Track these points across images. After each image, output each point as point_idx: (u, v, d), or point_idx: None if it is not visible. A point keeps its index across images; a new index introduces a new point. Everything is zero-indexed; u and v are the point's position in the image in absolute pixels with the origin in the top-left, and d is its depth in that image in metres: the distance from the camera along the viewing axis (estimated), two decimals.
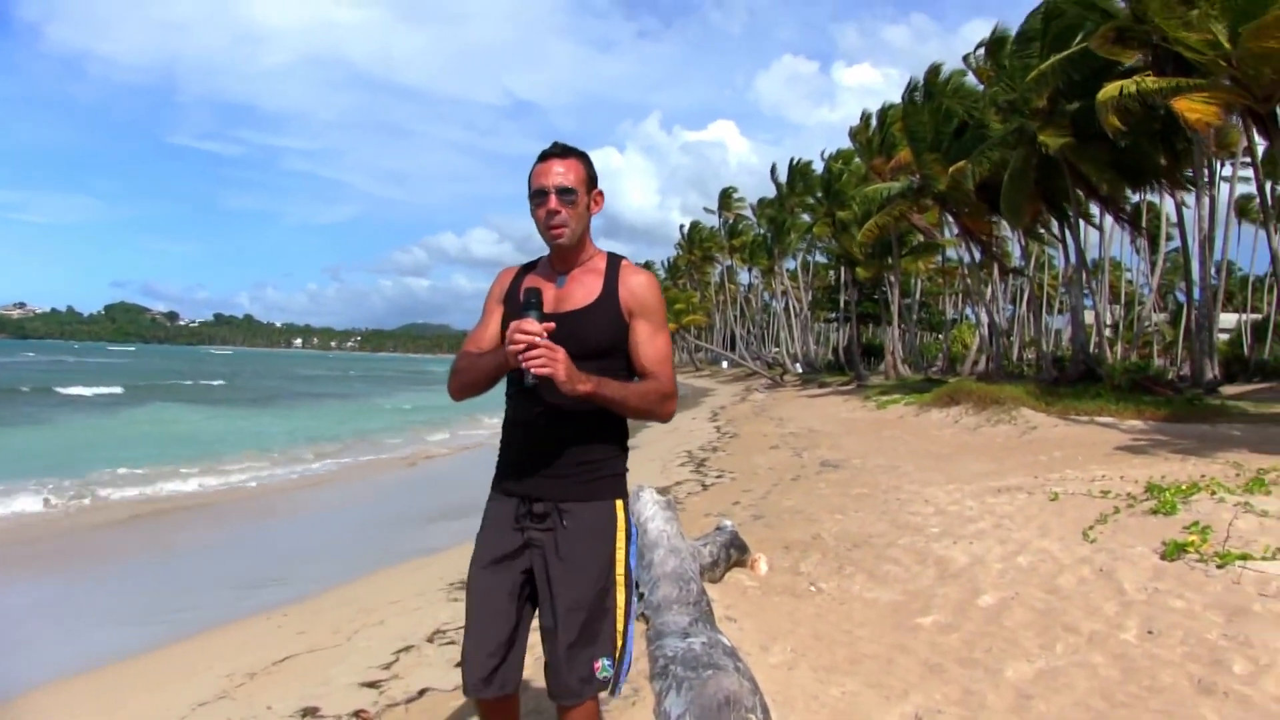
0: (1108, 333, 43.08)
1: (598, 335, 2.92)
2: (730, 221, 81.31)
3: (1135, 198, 33.86)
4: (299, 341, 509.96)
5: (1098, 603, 6.05)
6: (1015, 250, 45.95)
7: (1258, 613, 5.52)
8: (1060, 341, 54.92)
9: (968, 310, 66.31)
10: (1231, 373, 30.79)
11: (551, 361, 2.65)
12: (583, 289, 3.00)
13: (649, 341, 2.95)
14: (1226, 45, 19.26)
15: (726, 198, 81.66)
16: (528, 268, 3.18)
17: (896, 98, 40.93)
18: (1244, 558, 6.43)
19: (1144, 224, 37.47)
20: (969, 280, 47.63)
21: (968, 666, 5.16)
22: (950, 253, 51.74)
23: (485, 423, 28.29)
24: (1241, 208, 43.58)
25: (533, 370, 2.66)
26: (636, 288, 2.98)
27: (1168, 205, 39.11)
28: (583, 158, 3.03)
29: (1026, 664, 5.14)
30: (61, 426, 28.64)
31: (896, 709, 4.57)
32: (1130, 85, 21.00)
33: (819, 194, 53.40)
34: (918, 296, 64.12)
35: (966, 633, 5.77)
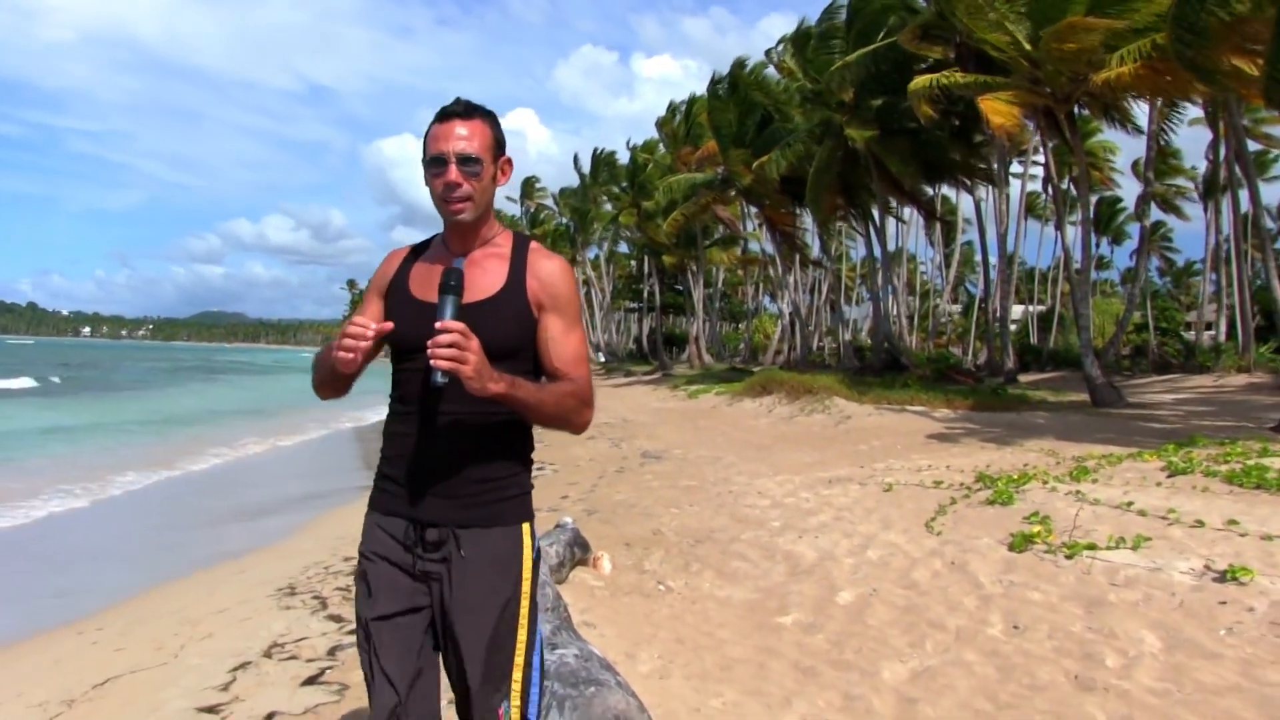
0: (904, 323, 44.57)
1: (503, 331, 2.47)
2: (532, 211, 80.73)
3: (931, 191, 35.00)
4: (87, 330, 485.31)
5: (957, 597, 5.96)
6: (813, 242, 47.09)
7: (1114, 603, 5.52)
8: (858, 331, 56.63)
9: (766, 300, 67.85)
10: (1025, 362, 32.23)
11: (463, 355, 2.20)
12: (485, 276, 2.54)
13: (562, 339, 2.54)
14: (1028, 47, 19.96)
15: (529, 186, 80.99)
16: (419, 249, 2.72)
17: (696, 89, 41.51)
18: (1090, 548, 6.47)
19: (939, 216, 38.81)
20: (770, 271, 48.61)
21: (841, 669, 4.96)
22: (752, 244, 52.64)
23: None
24: (1029, 204, 45.67)
25: (439, 364, 2.19)
26: (548, 276, 2.55)
27: (963, 199, 40.67)
28: (489, 118, 2.56)
29: (900, 664, 4.98)
30: None
31: (782, 719, 4.32)
32: (942, 78, 21.58)
33: (624, 184, 53.51)
34: (719, 287, 65.08)
35: (832, 633, 5.59)
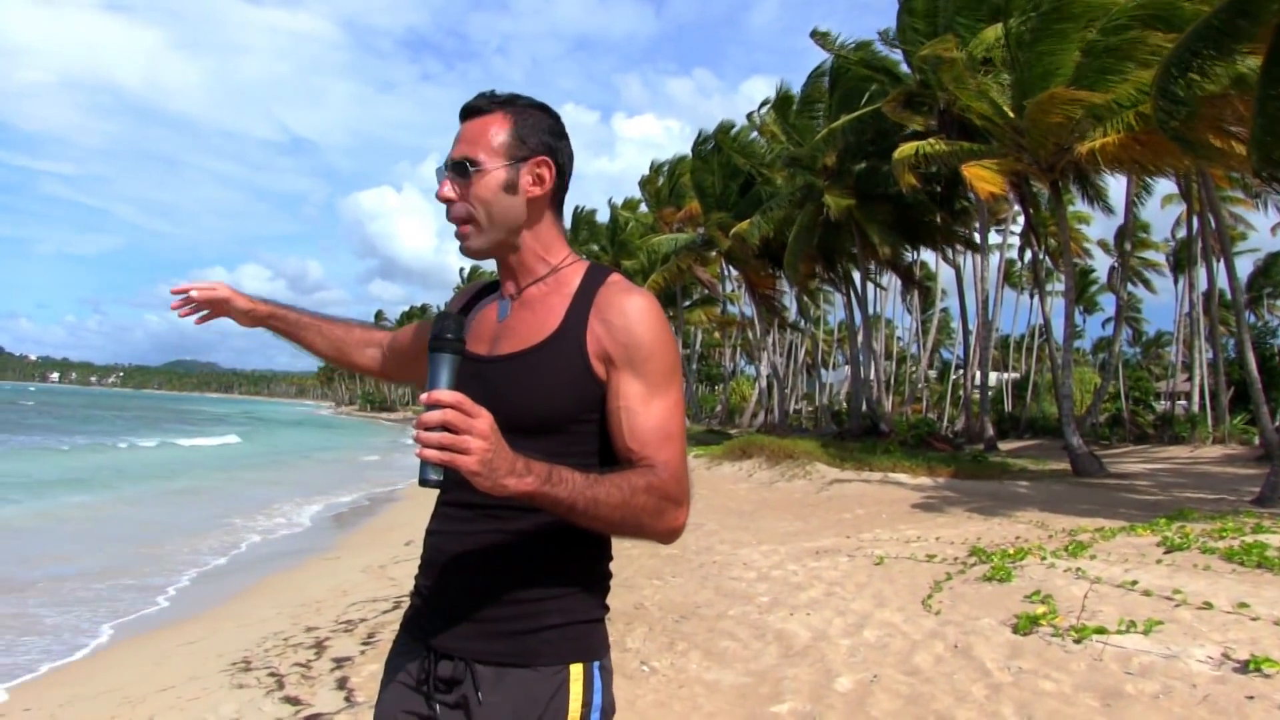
0: (881, 388, 44.43)
1: (543, 397, 1.83)
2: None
3: (910, 256, 35.07)
4: (55, 376, 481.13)
5: (964, 686, 5.58)
6: (791, 305, 47.06)
7: (1132, 695, 5.16)
8: (835, 395, 56.50)
9: (743, 363, 67.73)
10: (1003, 429, 32.04)
11: (460, 440, 1.54)
12: (533, 320, 1.90)
13: (640, 408, 1.81)
14: (1011, 115, 19.97)
15: None
16: (487, 289, 2.12)
17: (678, 149, 41.62)
18: (1100, 631, 6.12)
19: (917, 281, 38.87)
20: (749, 334, 48.49)
21: None
22: (730, 305, 52.61)
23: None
24: (1005, 272, 45.83)
25: (426, 456, 1.56)
26: (619, 318, 1.83)
27: (941, 266, 40.72)
28: (514, 108, 1.92)
29: None
30: None
31: None
32: (926, 147, 21.58)
33: (604, 243, 53.50)
34: (697, 348, 64.94)
35: None
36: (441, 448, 1.53)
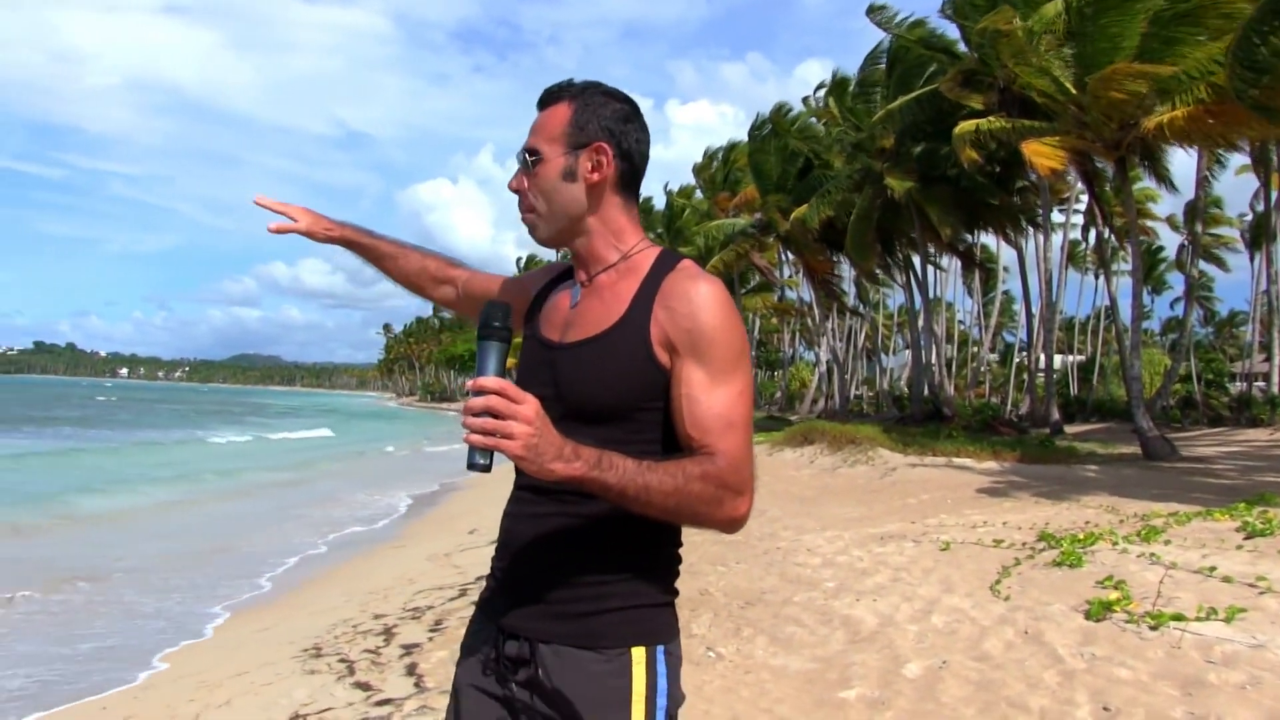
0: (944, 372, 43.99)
1: (603, 384, 1.83)
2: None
3: (970, 238, 34.57)
4: (124, 371, 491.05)
5: (1036, 672, 5.48)
6: (850, 290, 46.65)
7: (1215, 685, 5.02)
8: (895, 380, 56.01)
9: (802, 348, 67.36)
10: (1069, 413, 31.55)
11: (505, 425, 1.56)
12: (600, 307, 1.90)
13: (703, 396, 1.79)
14: (1073, 91, 19.57)
15: None
16: (569, 272, 2.12)
17: (733, 134, 41.35)
18: (1177, 618, 5.97)
19: (977, 264, 38.35)
20: (807, 319, 48.23)
21: None
22: (788, 291, 52.29)
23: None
24: (1069, 252, 45.10)
25: (471, 441, 1.59)
26: (684, 304, 1.82)
27: (1004, 247, 40.17)
28: (579, 96, 1.92)
29: None
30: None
31: None
32: (986, 124, 21.24)
33: (659, 230, 53.41)
34: (756, 334, 64.67)
35: (901, 711, 5.11)
36: (487, 433, 1.56)
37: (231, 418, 72.01)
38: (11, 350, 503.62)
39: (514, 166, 1.95)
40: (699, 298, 1.82)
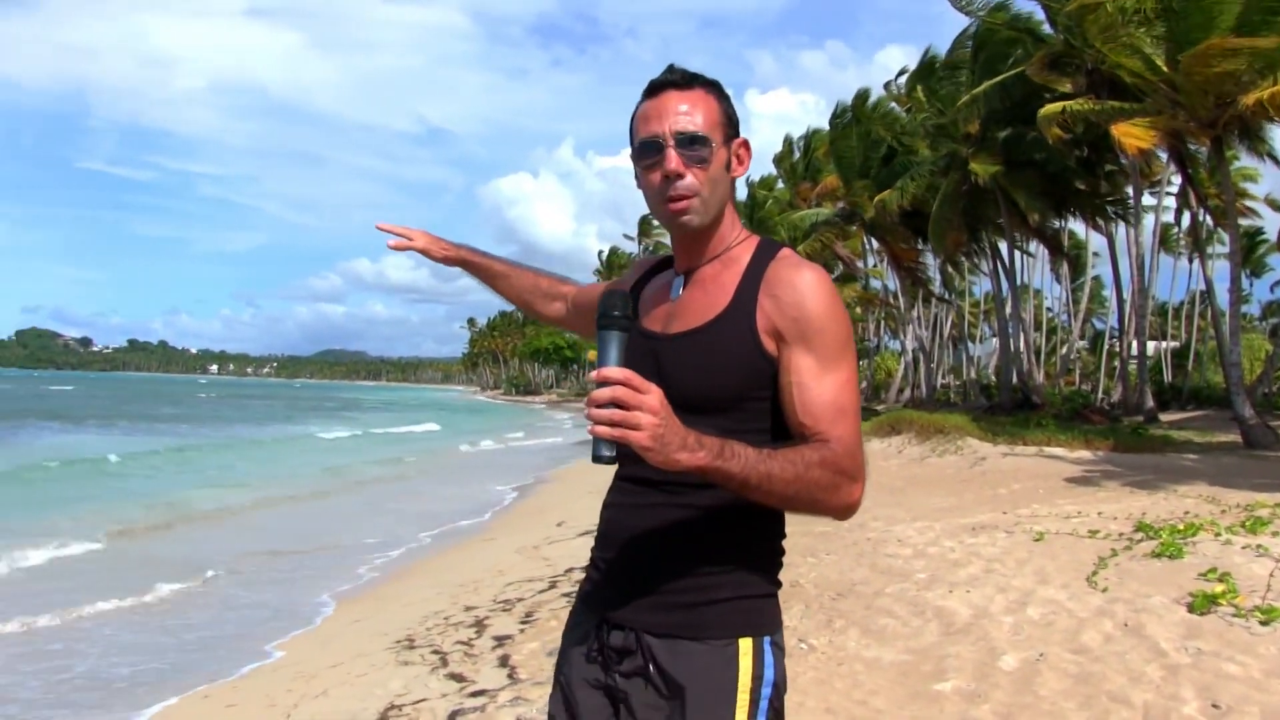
0: (1032, 360, 43.25)
1: (713, 375, 1.83)
2: (650, 248, 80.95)
3: (1057, 224, 33.87)
4: (214, 368, 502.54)
5: (1138, 666, 5.36)
6: (935, 278, 46.01)
7: None
8: (983, 369, 55.19)
9: (887, 338, 66.62)
10: (1164, 400, 30.80)
11: (631, 416, 1.54)
12: (704, 298, 1.90)
13: (813, 383, 1.79)
14: (1165, 70, 19.06)
15: (646, 224, 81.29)
16: (662, 265, 2.12)
17: (812, 123, 40.88)
18: None
19: (1065, 250, 37.57)
20: (893, 307, 47.72)
21: None
22: (872, 281, 51.78)
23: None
24: (1162, 236, 44.06)
25: (598, 433, 1.56)
26: (789, 293, 1.82)
27: (1092, 232, 39.31)
28: (715, 88, 1.93)
29: None
30: None
31: None
32: (1073, 105, 20.81)
33: (743, 221, 53.04)
34: None
35: (999, 703, 5.04)
36: (613, 424, 1.54)
37: (331, 413, 73.09)
38: (107, 348, 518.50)
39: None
40: (804, 285, 1.82)
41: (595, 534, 2.05)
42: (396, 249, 2.41)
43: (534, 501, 18.92)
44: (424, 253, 2.41)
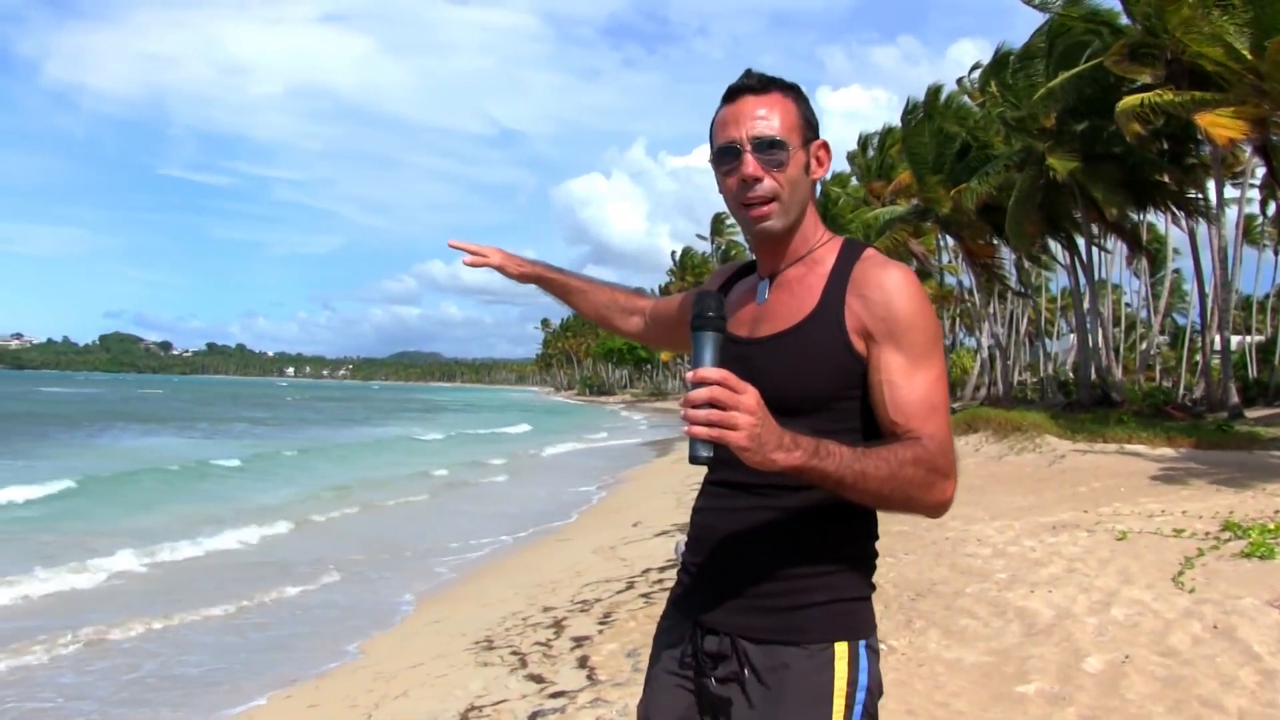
0: (1111, 356, 42.46)
1: (803, 376, 1.83)
2: (723, 247, 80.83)
3: (1136, 218, 33.18)
4: (291, 370, 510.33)
5: (1230, 670, 5.26)
6: (1010, 274, 45.33)
7: None
8: (1060, 365, 54.31)
9: (961, 335, 65.80)
10: (1249, 396, 30.06)
11: (728, 416, 1.54)
12: (791, 300, 1.91)
13: (904, 381, 1.80)
14: (1250, 58, 18.64)
15: (719, 224, 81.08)
16: (744, 270, 2.13)
17: (885, 120, 40.45)
18: None
19: (1144, 244, 36.81)
20: (969, 304, 47.11)
21: None
22: (948, 278, 51.16)
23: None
24: (1245, 228, 43.05)
25: (695, 434, 1.56)
26: (877, 292, 1.83)
27: (1172, 226, 38.51)
28: (793, 91, 1.93)
29: None
30: None
31: None
32: (1152, 97, 20.40)
33: None
34: None
35: (1084, 706, 4.97)
36: (709, 424, 1.54)
37: (421, 415, 73.70)
38: (187, 352, 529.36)
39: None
40: (891, 285, 1.83)
41: (687, 538, 2.05)
42: (471, 266, 2.46)
43: (610, 502, 19.01)
44: (499, 270, 2.46)
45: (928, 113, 34.95)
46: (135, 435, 40.71)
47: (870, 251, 1.92)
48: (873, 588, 1.94)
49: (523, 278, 2.49)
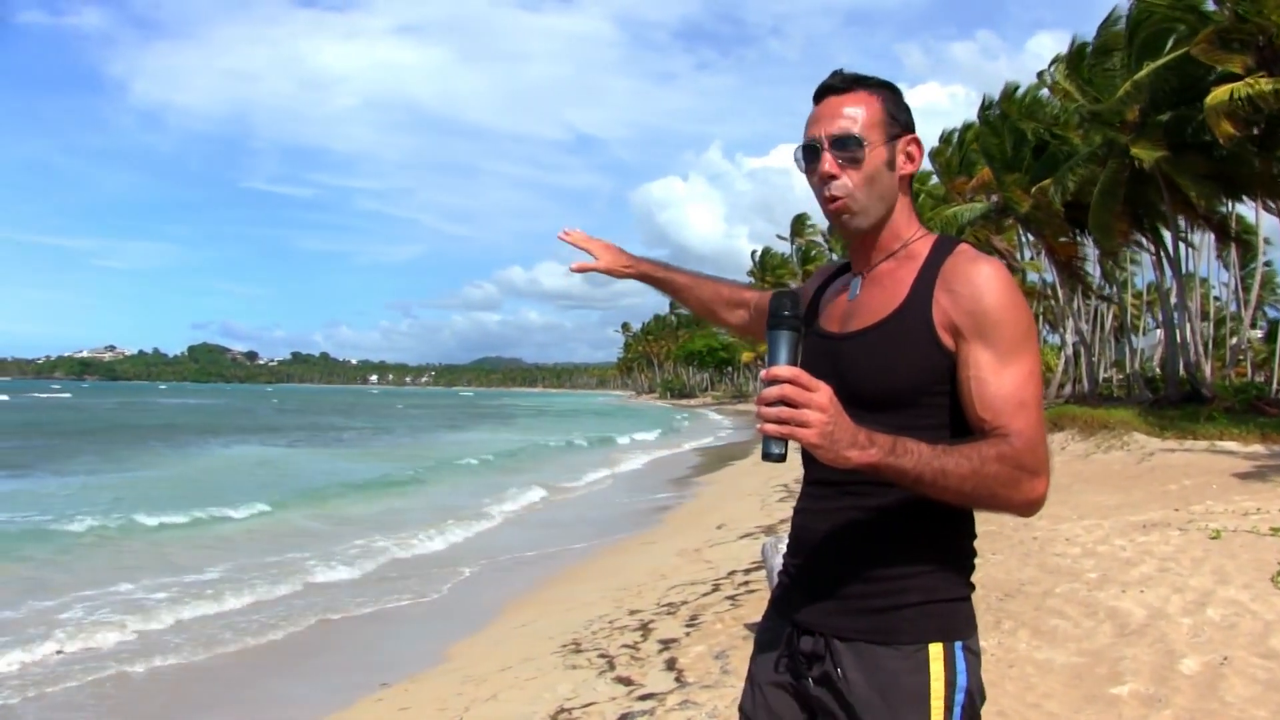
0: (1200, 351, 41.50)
1: (886, 371, 1.84)
2: (803, 248, 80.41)
3: (1225, 209, 32.36)
4: (374, 378, 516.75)
5: None
6: (1093, 270, 44.52)
7: None
8: (1146, 361, 53.24)
9: (1045, 332, 64.77)
10: None
11: (800, 414, 1.56)
12: (880, 295, 1.92)
13: (992, 376, 1.77)
14: None
15: (799, 224, 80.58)
16: (843, 269, 2.14)
17: (965, 115, 39.94)
18: None
19: (1235, 236, 35.92)
20: (1052, 302, 46.37)
21: None
22: (1030, 275, 50.37)
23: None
24: None
25: (767, 431, 1.58)
26: (966, 287, 1.82)
27: (1263, 218, 37.55)
28: (881, 89, 1.95)
29: None
30: None
31: None
32: (1242, 89, 19.87)
33: None
34: None
35: (1181, 709, 4.91)
36: (781, 421, 1.56)
37: (524, 420, 74.04)
38: (272, 361, 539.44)
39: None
40: (981, 279, 1.81)
41: (788, 539, 2.08)
42: (578, 271, 2.53)
43: (694, 504, 19.02)
44: (607, 271, 2.51)
45: (1003, 111, 34.47)
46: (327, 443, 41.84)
47: (963, 246, 1.92)
48: (971, 587, 1.92)
49: (629, 276, 2.54)
